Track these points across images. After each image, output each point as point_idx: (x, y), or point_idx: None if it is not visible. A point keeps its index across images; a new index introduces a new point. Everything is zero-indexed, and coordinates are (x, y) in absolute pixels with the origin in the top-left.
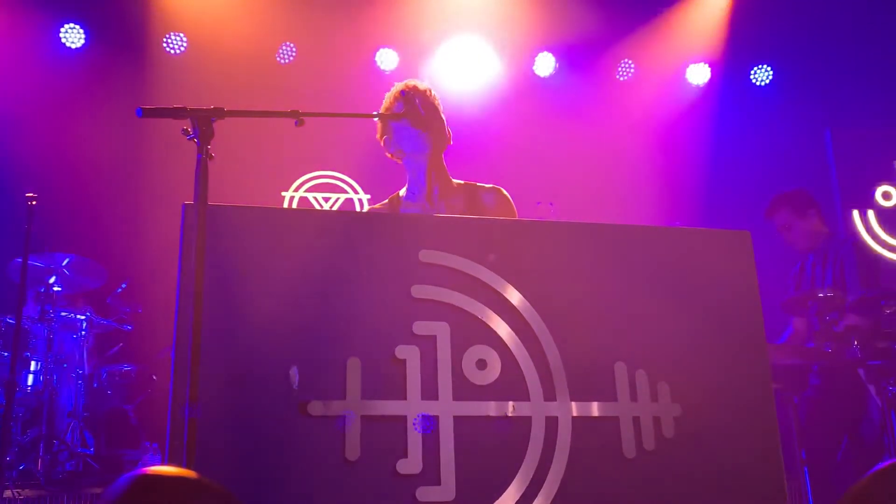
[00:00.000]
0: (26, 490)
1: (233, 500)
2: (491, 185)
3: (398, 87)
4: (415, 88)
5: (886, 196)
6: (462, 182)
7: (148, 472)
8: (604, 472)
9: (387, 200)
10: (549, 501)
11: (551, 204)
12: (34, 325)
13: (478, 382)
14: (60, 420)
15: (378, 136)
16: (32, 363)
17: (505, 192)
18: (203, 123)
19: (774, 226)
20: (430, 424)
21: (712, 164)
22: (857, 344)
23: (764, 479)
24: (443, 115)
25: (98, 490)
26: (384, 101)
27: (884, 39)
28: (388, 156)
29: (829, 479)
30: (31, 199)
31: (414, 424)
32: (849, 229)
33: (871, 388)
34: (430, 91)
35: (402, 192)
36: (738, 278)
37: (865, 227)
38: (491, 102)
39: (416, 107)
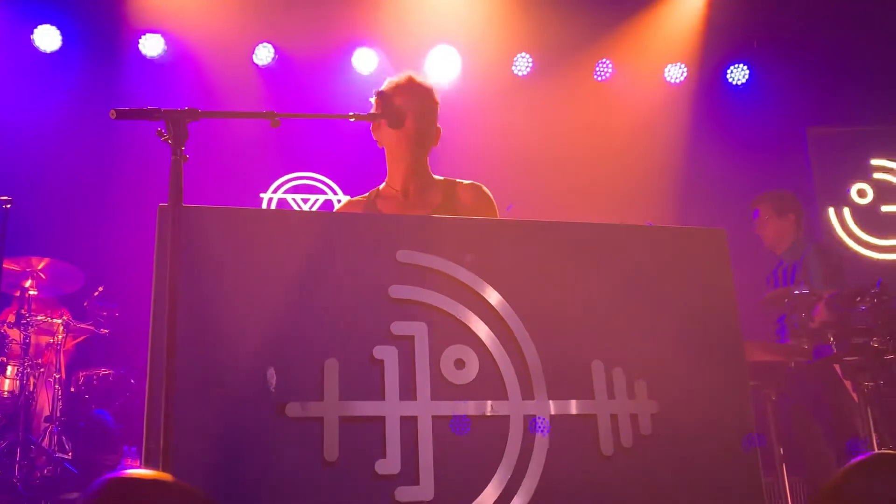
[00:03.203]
0: (3, 496)
1: (210, 503)
2: (470, 182)
3: (393, 80)
4: (404, 86)
5: (862, 194)
6: (442, 178)
7: (123, 476)
8: (582, 470)
9: (367, 194)
10: (528, 500)
11: (510, 207)
12: (10, 329)
13: (456, 382)
14: (38, 425)
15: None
16: (9, 368)
17: (485, 188)
18: (177, 125)
19: (753, 216)
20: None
21: (689, 164)
22: (833, 340)
23: (741, 476)
24: (433, 115)
25: (77, 495)
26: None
27: (859, 39)
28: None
29: (806, 473)
30: (6, 202)
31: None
32: (825, 226)
33: (848, 384)
34: (428, 88)
35: (382, 186)
36: (714, 276)
37: (841, 224)
38: (468, 102)
39: (393, 106)
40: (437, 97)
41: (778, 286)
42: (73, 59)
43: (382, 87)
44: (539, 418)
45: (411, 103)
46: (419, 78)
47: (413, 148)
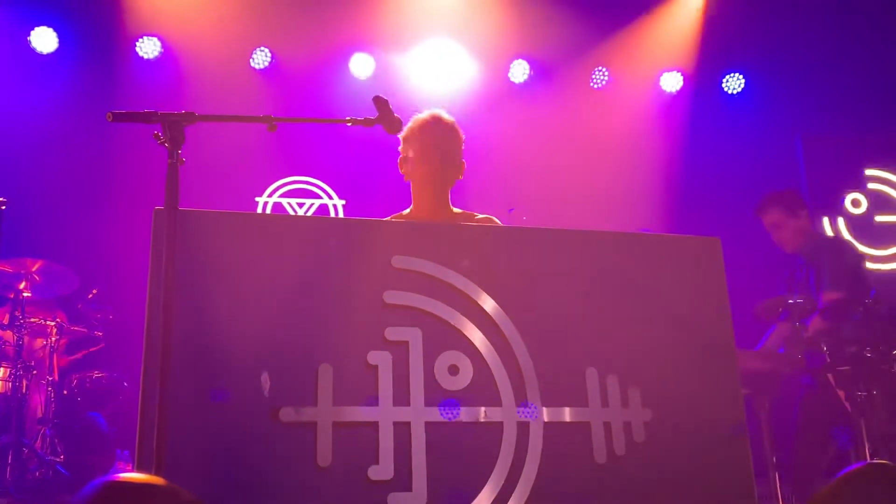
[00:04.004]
0: None
1: None
2: (485, 216)
3: (420, 118)
4: (430, 125)
5: (856, 203)
6: (460, 211)
7: (115, 479)
8: (575, 478)
9: (390, 217)
10: None
11: (511, 210)
12: (3, 331)
13: (450, 388)
14: (30, 427)
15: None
16: (1, 369)
17: (497, 221)
18: (173, 128)
19: (763, 224)
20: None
21: (684, 172)
22: (826, 350)
23: (734, 484)
24: (458, 152)
25: (69, 498)
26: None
27: (853, 48)
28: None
29: (799, 483)
30: (1, 203)
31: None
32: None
33: (841, 394)
34: (453, 126)
35: (406, 212)
36: (707, 284)
37: (835, 234)
38: (465, 108)
39: (391, 113)
40: (461, 133)
41: (797, 290)
42: (70, 61)
43: (410, 127)
44: (530, 405)
45: (439, 142)
46: (446, 117)
47: (439, 185)
